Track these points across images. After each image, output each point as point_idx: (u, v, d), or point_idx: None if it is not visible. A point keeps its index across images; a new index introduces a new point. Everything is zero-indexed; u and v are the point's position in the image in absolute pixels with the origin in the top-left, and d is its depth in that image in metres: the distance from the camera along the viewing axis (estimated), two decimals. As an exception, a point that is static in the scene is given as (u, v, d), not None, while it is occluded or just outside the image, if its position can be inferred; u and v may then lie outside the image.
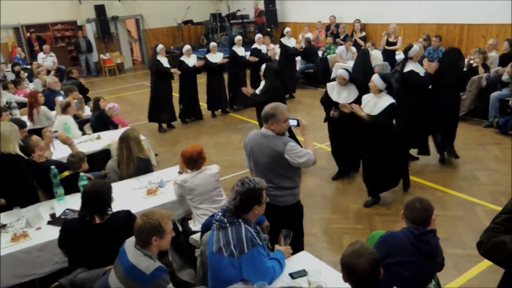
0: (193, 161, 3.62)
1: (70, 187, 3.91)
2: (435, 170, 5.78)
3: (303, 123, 3.43)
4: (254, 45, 9.36)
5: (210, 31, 15.18)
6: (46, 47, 12.09)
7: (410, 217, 2.56)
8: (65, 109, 5.70)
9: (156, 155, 6.43)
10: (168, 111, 8.24)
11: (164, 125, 8.40)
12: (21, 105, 7.21)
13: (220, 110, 9.20)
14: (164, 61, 8.04)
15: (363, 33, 10.90)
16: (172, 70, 8.06)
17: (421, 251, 2.47)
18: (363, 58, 6.36)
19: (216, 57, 8.72)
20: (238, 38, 9.41)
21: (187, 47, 8.59)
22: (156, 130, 8.25)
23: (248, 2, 15.29)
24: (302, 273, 2.65)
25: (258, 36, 9.55)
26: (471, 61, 7.80)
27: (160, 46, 8.15)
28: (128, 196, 3.87)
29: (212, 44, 8.91)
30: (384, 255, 2.46)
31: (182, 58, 8.41)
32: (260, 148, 3.29)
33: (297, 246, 3.33)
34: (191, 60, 8.41)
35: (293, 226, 3.31)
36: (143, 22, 15.77)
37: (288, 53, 9.77)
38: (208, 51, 8.82)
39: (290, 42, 9.79)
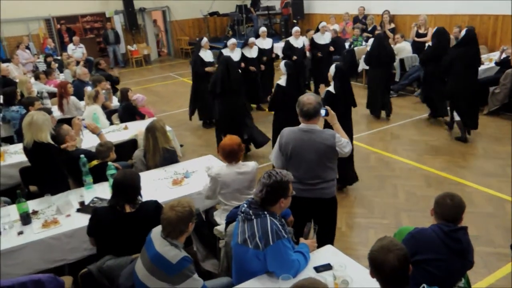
0: (234, 154, 3.51)
1: (98, 176, 4.00)
2: (464, 165, 5.63)
3: (332, 112, 3.41)
4: (290, 39, 8.93)
5: (235, 22, 15.16)
6: (76, 38, 12.34)
7: (441, 213, 2.49)
8: (95, 98, 5.82)
9: (181, 146, 6.50)
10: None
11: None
12: (51, 95, 7.40)
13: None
14: (208, 55, 7.57)
15: (392, 25, 10.64)
16: (207, 69, 7.40)
17: (452, 249, 2.41)
18: (379, 42, 7.40)
19: (253, 52, 8.24)
20: (263, 29, 8.92)
21: (232, 40, 7.98)
22: (182, 121, 8.28)
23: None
24: (328, 267, 2.63)
25: (295, 29, 8.92)
26: (504, 53, 7.52)
27: (205, 40, 7.57)
28: (154, 186, 3.93)
29: (251, 39, 8.35)
30: (412, 252, 2.41)
31: (223, 51, 7.89)
32: (307, 144, 3.22)
33: (332, 236, 3.51)
34: (235, 55, 7.79)
35: (334, 217, 3.48)
36: (169, 13, 15.88)
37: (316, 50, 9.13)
38: (245, 44, 8.33)
39: (324, 37, 9.10)
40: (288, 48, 8.87)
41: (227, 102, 6.04)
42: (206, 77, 7.19)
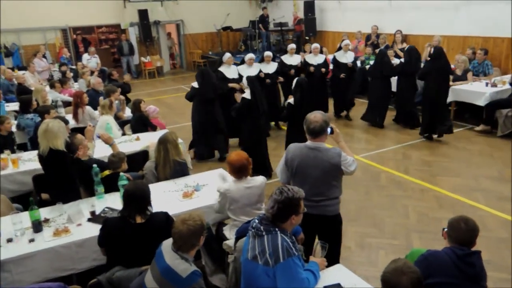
0: (244, 169, 3.51)
1: (109, 186, 4.01)
2: (477, 188, 5.56)
3: (337, 131, 3.42)
4: (308, 56, 8.69)
5: (248, 37, 15.32)
6: (92, 49, 12.55)
7: (454, 237, 2.46)
8: (109, 108, 5.89)
9: (192, 158, 6.52)
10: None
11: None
12: (65, 104, 7.49)
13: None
14: (231, 71, 7.32)
15: (404, 44, 10.65)
16: (231, 85, 7.15)
17: (465, 273, 2.37)
18: (382, 59, 8.02)
19: (270, 68, 8.00)
20: (291, 46, 8.65)
21: (249, 55, 7.71)
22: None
23: (288, 10, 15.35)
24: (337, 287, 2.60)
25: (315, 46, 8.68)
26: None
27: (227, 55, 7.36)
28: (165, 198, 3.93)
29: (267, 53, 8.13)
30: (425, 275, 2.36)
31: (240, 68, 7.69)
32: (313, 162, 3.24)
33: (337, 254, 3.47)
34: (252, 70, 7.51)
35: (338, 235, 3.47)
36: (183, 27, 16.12)
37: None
38: (262, 60, 8.16)
39: (347, 56, 8.68)
40: (305, 65, 8.59)
41: (202, 109, 6.68)
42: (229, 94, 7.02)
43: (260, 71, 7.83)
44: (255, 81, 6.04)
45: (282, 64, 8.44)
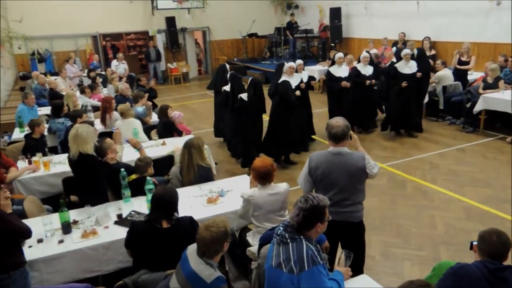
0: (269, 175, 3.51)
1: (136, 190, 4.09)
2: (507, 199, 5.38)
3: (354, 136, 3.40)
4: (358, 65, 8.14)
5: (273, 44, 15.38)
6: (120, 55, 12.85)
7: (486, 250, 2.39)
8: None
9: (216, 164, 6.56)
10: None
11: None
12: (95, 108, 7.69)
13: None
14: (293, 81, 6.88)
15: (433, 51, 10.47)
16: (297, 93, 6.79)
17: (497, 289, 2.30)
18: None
19: (302, 76, 7.44)
20: (340, 55, 7.90)
21: (290, 64, 7.11)
22: (217, 139, 8.35)
23: (313, 17, 15.34)
24: (362, 298, 2.56)
25: (364, 55, 8.17)
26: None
27: (287, 65, 6.94)
28: (189, 203, 3.97)
29: (299, 61, 7.73)
30: (453, 288, 2.31)
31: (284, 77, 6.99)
32: (339, 167, 3.23)
33: (361, 263, 3.44)
34: (293, 80, 6.97)
35: (362, 242, 3.43)
36: (209, 33, 16.32)
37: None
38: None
39: (410, 66, 7.69)
40: (357, 75, 8.00)
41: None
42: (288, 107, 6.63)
43: (301, 81, 7.28)
44: (238, 78, 6.87)
45: (330, 77, 7.85)
